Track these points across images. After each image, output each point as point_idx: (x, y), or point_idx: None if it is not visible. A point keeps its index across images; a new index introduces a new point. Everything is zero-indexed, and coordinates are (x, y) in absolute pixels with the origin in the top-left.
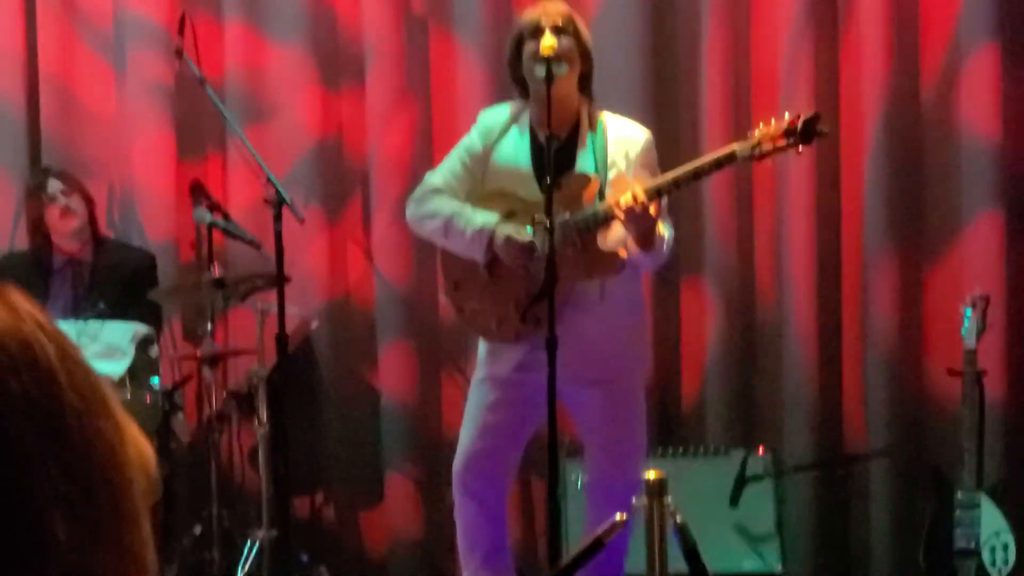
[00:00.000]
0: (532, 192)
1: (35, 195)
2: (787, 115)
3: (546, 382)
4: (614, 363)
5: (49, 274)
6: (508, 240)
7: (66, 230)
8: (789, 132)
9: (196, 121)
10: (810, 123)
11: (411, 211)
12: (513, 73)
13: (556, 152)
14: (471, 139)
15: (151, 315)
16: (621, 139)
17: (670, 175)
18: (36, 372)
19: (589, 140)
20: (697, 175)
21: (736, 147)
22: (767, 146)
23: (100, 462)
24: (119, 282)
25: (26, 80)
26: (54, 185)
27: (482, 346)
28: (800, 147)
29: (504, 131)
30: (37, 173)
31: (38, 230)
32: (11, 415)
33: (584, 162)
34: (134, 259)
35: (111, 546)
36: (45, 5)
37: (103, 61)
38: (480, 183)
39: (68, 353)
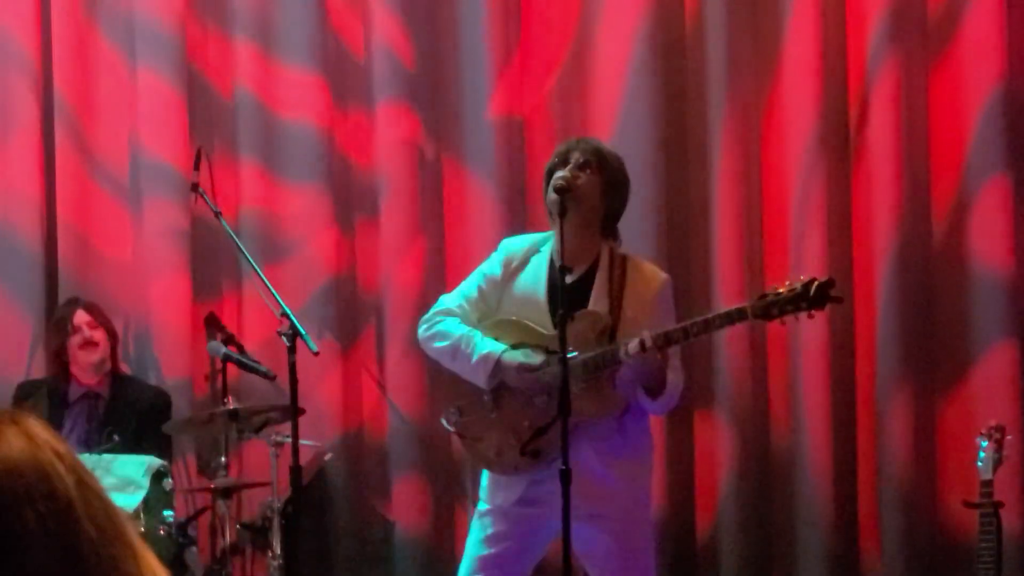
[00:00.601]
0: (544, 324)
1: (61, 325)
2: (801, 279)
3: (548, 517)
4: (618, 499)
5: (66, 406)
6: (520, 365)
7: (87, 362)
8: (801, 296)
9: (212, 260)
10: (823, 288)
11: (422, 331)
12: (545, 200)
13: (571, 287)
14: (491, 265)
15: (163, 449)
16: (639, 282)
17: (680, 326)
18: (54, 503)
19: (606, 279)
20: (708, 327)
21: (747, 306)
22: (776, 309)
23: None
24: (133, 417)
25: (43, 219)
26: (81, 317)
27: (485, 476)
28: (813, 312)
29: (525, 260)
30: (66, 304)
31: (59, 359)
32: (28, 549)
33: (598, 300)
34: (150, 396)
35: None
36: (64, 146)
37: (119, 203)
38: (495, 310)
39: (86, 483)
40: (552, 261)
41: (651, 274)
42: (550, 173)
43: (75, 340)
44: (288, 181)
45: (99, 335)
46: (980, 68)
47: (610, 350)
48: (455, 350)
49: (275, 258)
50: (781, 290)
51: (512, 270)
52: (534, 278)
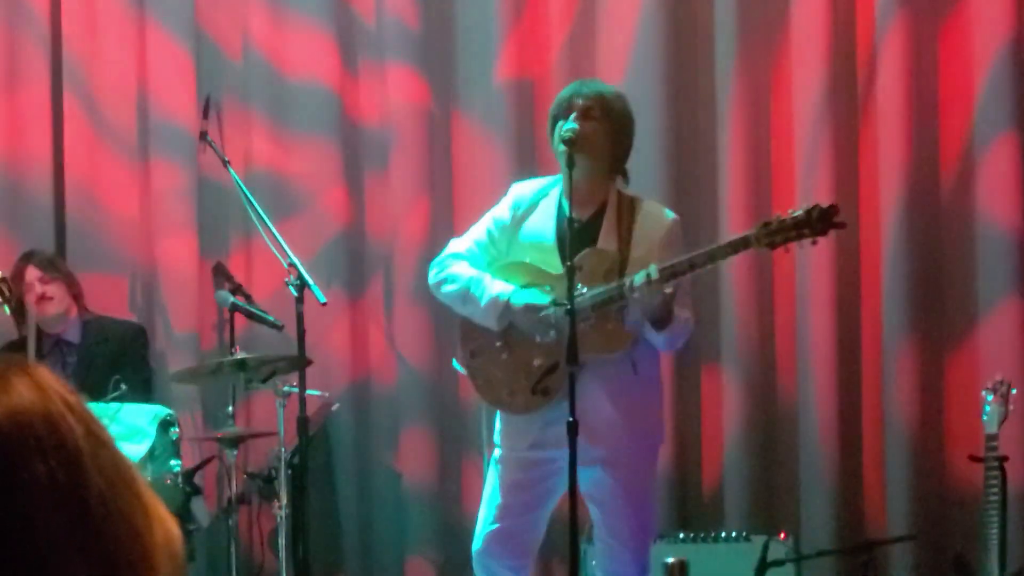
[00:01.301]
0: (554, 266)
1: (16, 282)
2: (804, 206)
3: (562, 461)
4: (626, 440)
5: (40, 358)
6: (527, 307)
7: (43, 315)
8: (805, 222)
9: (220, 214)
10: (827, 214)
11: (433, 276)
12: (552, 146)
13: (580, 230)
14: (501, 209)
15: (147, 384)
16: (648, 222)
17: (685, 257)
18: (63, 454)
19: (614, 220)
20: (712, 258)
21: (751, 233)
22: (780, 236)
23: (124, 547)
24: (108, 356)
25: (52, 173)
26: (32, 273)
27: (498, 421)
28: (816, 239)
29: (534, 203)
30: (20, 258)
31: (22, 315)
32: (36, 500)
33: (606, 241)
34: (119, 332)
35: None
36: (71, 101)
37: (127, 158)
38: (504, 253)
39: (95, 434)
40: (561, 204)
41: (660, 214)
42: (554, 120)
43: (29, 298)
44: (297, 138)
45: (53, 288)
46: (989, 25)
47: (616, 286)
48: (465, 293)
49: (284, 212)
50: (784, 216)
51: (521, 214)
52: (543, 221)
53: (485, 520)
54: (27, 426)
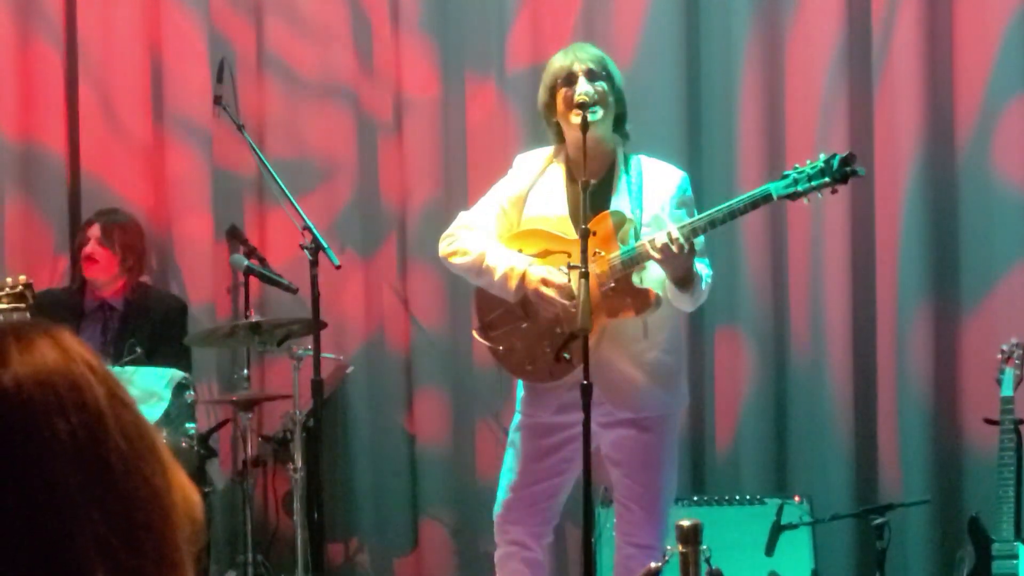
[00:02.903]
0: (567, 233)
1: (81, 232)
2: (822, 155)
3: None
4: (649, 402)
5: (81, 316)
6: (544, 280)
7: (87, 275)
8: (824, 171)
9: (234, 178)
10: (845, 162)
11: (444, 247)
12: (548, 118)
13: (591, 194)
14: (508, 182)
15: (182, 360)
16: (656, 179)
17: (706, 214)
18: (84, 415)
19: (625, 181)
20: (733, 214)
21: (771, 186)
22: (803, 185)
23: (144, 508)
24: (148, 327)
25: (66, 129)
26: (93, 231)
27: (521, 389)
28: (836, 187)
29: (540, 175)
30: (98, 212)
31: (78, 269)
32: (57, 459)
33: (619, 203)
34: (164, 305)
35: None
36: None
37: (141, 119)
38: (515, 225)
39: (117, 396)
40: (569, 171)
41: (668, 170)
42: (552, 90)
43: (82, 252)
44: (311, 100)
45: (102, 253)
46: None
47: (638, 247)
48: (479, 266)
49: (298, 177)
50: (802, 167)
51: (530, 184)
52: (553, 188)
53: (507, 486)
54: (50, 386)
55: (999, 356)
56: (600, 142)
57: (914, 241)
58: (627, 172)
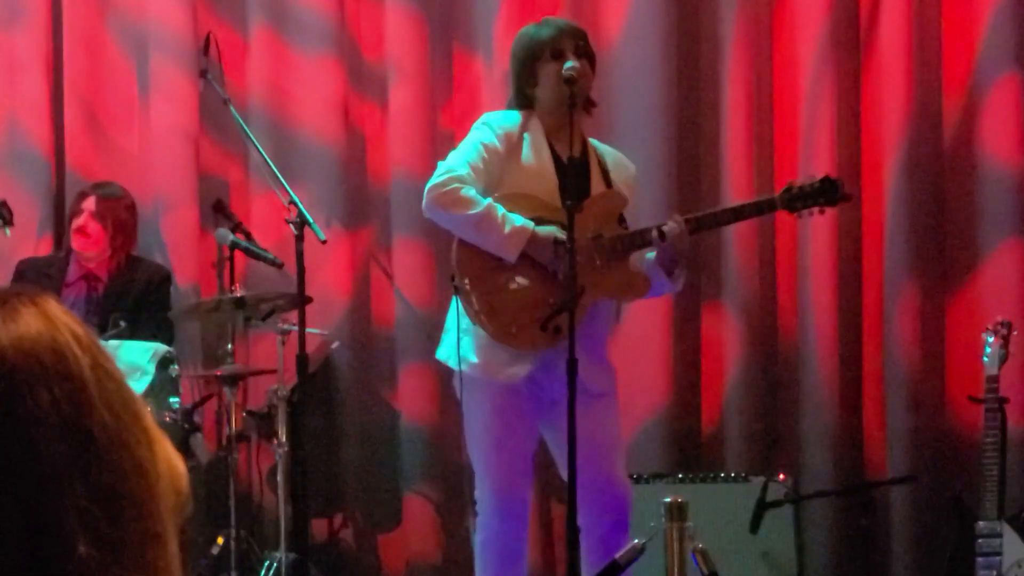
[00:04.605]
0: (556, 199)
1: (76, 202)
2: (816, 176)
3: (550, 393)
4: (611, 375)
5: (62, 285)
6: (557, 241)
7: (75, 247)
8: (820, 192)
9: (220, 150)
10: (839, 187)
11: (435, 196)
12: (522, 88)
13: (575, 171)
14: (487, 137)
15: (164, 330)
16: (619, 165)
17: (711, 211)
18: (68, 384)
19: (596, 161)
20: (737, 215)
21: (777, 196)
22: (800, 203)
23: (127, 480)
24: (132, 295)
25: (51, 104)
26: (88, 203)
27: (485, 347)
28: (825, 209)
29: (520, 136)
30: (96, 184)
31: (66, 238)
32: (40, 429)
33: (597, 182)
34: (148, 273)
35: (134, 564)
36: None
37: (128, 90)
38: (495, 183)
39: (102, 365)
40: (549, 141)
41: (622, 157)
42: (532, 63)
43: (74, 223)
44: (297, 72)
45: (93, 228)
46: None
47: (644, 231)
48: (481, 219)
49: (284, 151)
50: (804, 185)
51: (513, 145)
52: (538, 155)
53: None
54: (33, 355)
55: (984, 335)
56: (581, 119)
57: (900, 219)
58: (595, 152)
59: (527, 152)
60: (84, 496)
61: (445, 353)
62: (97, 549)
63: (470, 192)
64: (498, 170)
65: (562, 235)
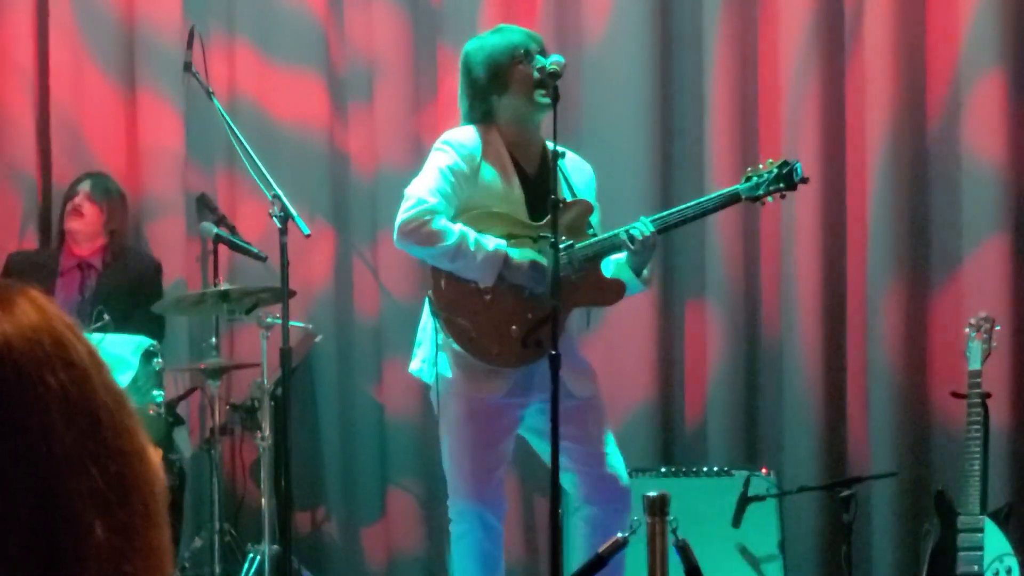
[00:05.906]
0: (522, 215)
1: (69, 191)
2: (771, 161)
3: (529, 403)
4: (592, 375)
5: (56, 275)
6: (533, 263)
7: (70, 227)
8: (780, 178)
9: (205, 145)
10: (796, 170)
11: (409, 233)
12: (484, 99)
13: (537, 178)
14: (452, 159)
15: (154, 326)
16: (578, 169)
17: (676, 210)
18: (72, 370)
19: (560, 169)
20: (703, 211)
21: (740, 188)
22: (761, 190)
23: (131, 464)
24: (126, 286)
25: (36, 94)
26: (84, 187)
27: (460, 366)
28: (785, 193)
29: (483, 153)
30: (88, 173)
31: (61, 224)
32: (53, 415)
33: (560, 189)
34: (141, 264)
35: (143, 547)
36: (57, 18)
37: (112, 82)
38: (465, 204)
39: (95, 354)
40: (511, 153)
41: (579, 159)
42: (509, 65)
43: (69, 205)
44: (282, 69)
45: (89, 208)
46: None
47: (612, 237)
48: (456, 250)
49: (269, 144)
50: (763, 172)
51: (476, 164)
52: (502, 169)
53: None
54: (37, 343)
55: (966, 330)
56: (540, 126)
57: (884, 215)
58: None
59: (491, 170)
60: (98, 478)
61: (419, 367)
62: (112, 532)
63: (440, 224)
64: (466, 192)
65: (541, 260)
